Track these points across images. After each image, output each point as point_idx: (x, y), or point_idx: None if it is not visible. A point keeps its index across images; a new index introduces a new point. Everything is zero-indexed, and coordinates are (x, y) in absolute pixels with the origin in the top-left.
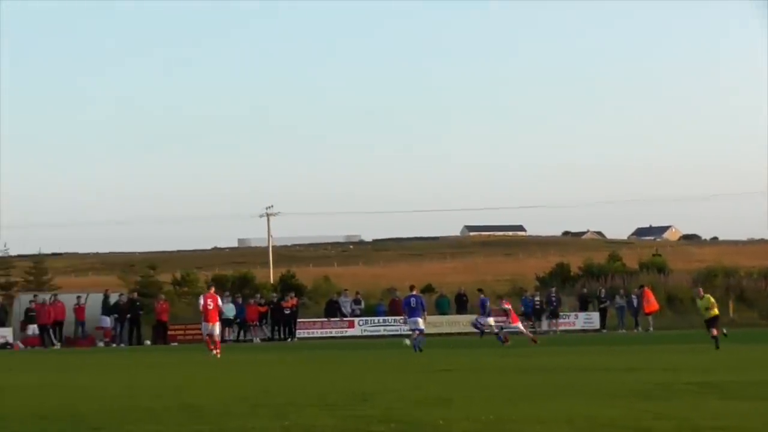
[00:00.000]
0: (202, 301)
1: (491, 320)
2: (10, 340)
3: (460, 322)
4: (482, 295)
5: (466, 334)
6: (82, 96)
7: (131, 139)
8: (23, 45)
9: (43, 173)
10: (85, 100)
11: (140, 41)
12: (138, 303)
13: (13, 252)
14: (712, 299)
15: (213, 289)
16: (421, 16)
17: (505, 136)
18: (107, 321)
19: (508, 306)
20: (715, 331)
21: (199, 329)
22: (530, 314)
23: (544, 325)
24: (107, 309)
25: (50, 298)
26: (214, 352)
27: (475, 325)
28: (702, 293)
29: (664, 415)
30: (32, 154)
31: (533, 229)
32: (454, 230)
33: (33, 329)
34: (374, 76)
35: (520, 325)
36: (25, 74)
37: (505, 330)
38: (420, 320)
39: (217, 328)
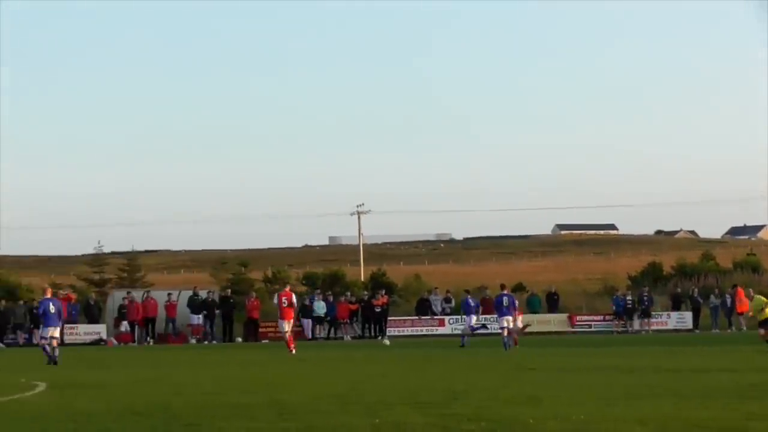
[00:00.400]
0: (276, 299)
1: (473, 319)
2: (104, 336)
3: (551, 321)
4: (468, 297)
5: (557, 333)
6: (176, 95)
7: (225, 138)
8: (133, 44)
9: (137, 172)
10: (178, 99)
11: (237, 40)
12: (230, 300)
13: (107, 249)
14: (765, 299)
15: (288, 287)
16: (527, 12)
17: (597, 134)
18: (197, 318)
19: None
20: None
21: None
22: (621, 313)
23: (636, 324)
24: (196, 306)
25: (143, 295)
26: (291, 349)
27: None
28: (752, 293)
29: (759, 416)
30: (126, 153)
31: (625, 228)
32: (545, 229)
33: (126, 326)
34: (466, 75)
35: (518, 322)
36: (120, 74)
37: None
38: (511, 318)
39: (287, 326)
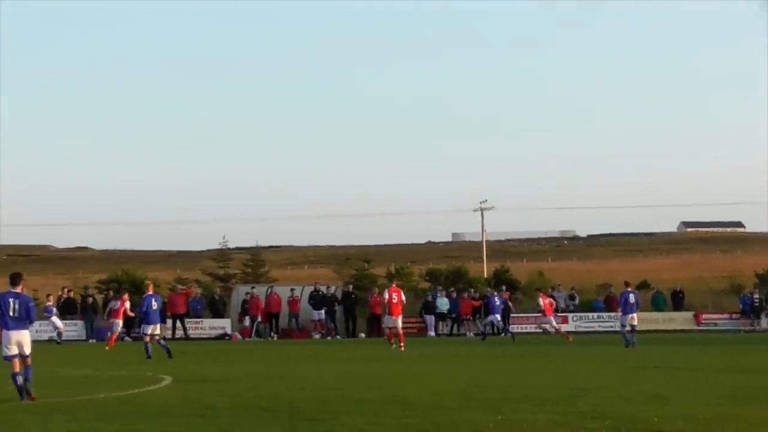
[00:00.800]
0: (386, 295)
1: (495, 317)
2: (229, 331)
3: (676, 320)
4: (494, 295)
5: (682, 331)
6: (302, 93)
7: (350, 135)
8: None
9: (263, 167)
10: (305, 96)
11: (344, 35)
12: (352, 296)
13: (231, 245)
14: None
15: (396, 283)
16: (671, 8)
17: (723, 130)
18: (319, 314)
19: (544, 300)
20: None
21: (412, 323)
22: (748, 312)
23: (764, 323)
24: (317, 302)
25: (267, 291)
26: (400, 346)
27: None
28: None
29: None
30: (253, 148)
31: (753, 226)
32: (670, 226)
33: (252, 318)
34: (587, 72)
35: (552, 321)
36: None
37: (542, 325)
38: (636, 316)
39: (399, 321)
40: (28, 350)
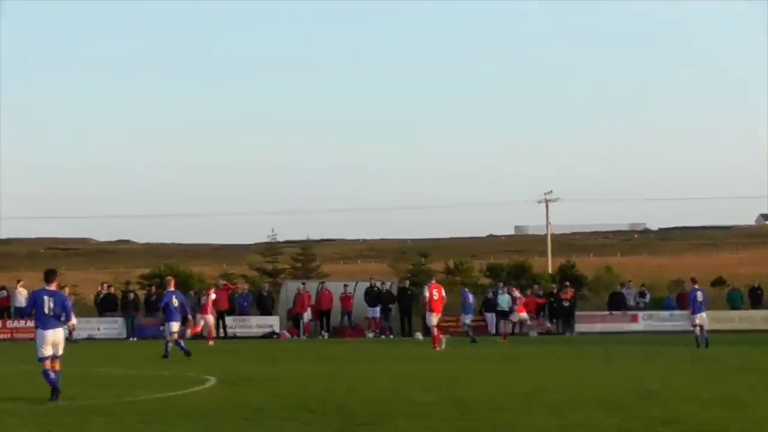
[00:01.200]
0: (427, 293)
1: (468, 319)
2: (277, 329)
3: (754, 318)
4: (466, 290)
5: (761, 331)
6: (358, 85)
7: (403, 124)
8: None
9: (310, 158)
10: (357, 88)
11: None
12: (408, 292)
13: (281, 238)
14: None
15: (435, 279)
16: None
17: None
18: (374, 311)
19: (516, 293)
20: None
21: (476, 321)
22: None
23: None
24: (372, 298)
25: (318, 286)
26: (434, 346)
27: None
28: None
29: None
30: (301, 138)
31: None
32: (748, 219)
33: (303, 316)
34: (672, 59)
35: (523, 315)
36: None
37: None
38: (705, 315)
39: (435, 319)
40: (61, 350)
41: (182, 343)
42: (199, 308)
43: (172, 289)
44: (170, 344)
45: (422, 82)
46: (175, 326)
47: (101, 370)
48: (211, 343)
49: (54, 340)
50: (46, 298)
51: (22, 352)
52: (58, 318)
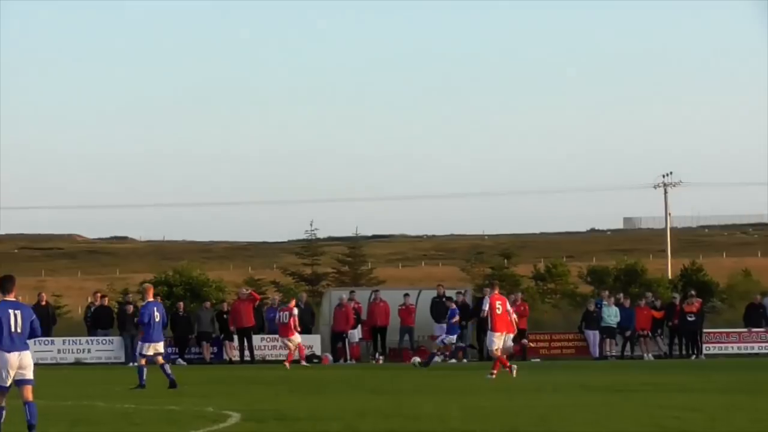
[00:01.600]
0: (487, 305)
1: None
2: (318, 351)
3: None
4: (453, 306)
5: None
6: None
7: (480, 88)
8: None
9: (362, 134)
10: (419, 60)
11: None
12: None
13: (322, 234)
14: None
15: (497, 289)
16: None
17: None
18: (442, 328)
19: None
20: None
21: (568, 340)
22: None
23: None
24: (441, 312)
25: (370, 296)
26: (491, 372)
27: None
28: None
29: None
30: (346, 111)
31: None
32: None
33: (351, 335)
34: None
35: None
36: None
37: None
38: None
39: (507, 340)
40: (30, 373)
41: (167, 368)
42: (283, 329)
43: (151, 299)
44: (145, 368)
45: (491, 50)
46: (153, 347)
47: (93, 404)
48: (303, 363)
49: (20, 363)
50: (11, 311)
51: None
52: (24, 337)
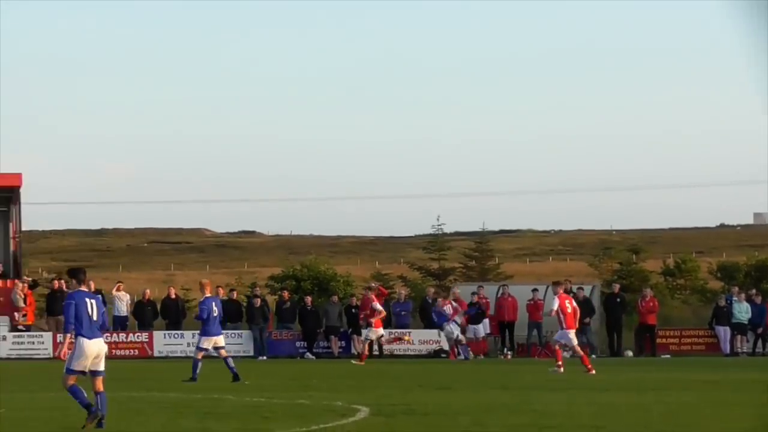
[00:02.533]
0: (556, 304)
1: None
2: (445, 346)
3: None
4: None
5: None
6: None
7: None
8: None
9: (489, 129)
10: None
11: None
12: (617, 299)
13: (449, 228)
14: None
15: (562, 288)
16: None
17: None
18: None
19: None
20: None
21: (699, 336)
22: None
23: None
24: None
25: (498, 291)
26: (558, 365)
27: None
28: None
29: None
30: (471, 103)
31: None
32: None
33: (475, 330)
34: None
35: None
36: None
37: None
38: None
39: (574, 339)
40: (103, 365)
41: (231, 361)
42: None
43: (209, 294)
44: (200, 362)
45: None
46: (213, 341)
47: (222, 398)
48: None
49: (99, 352)
50: (88, 301)
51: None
52: (99, 327)
